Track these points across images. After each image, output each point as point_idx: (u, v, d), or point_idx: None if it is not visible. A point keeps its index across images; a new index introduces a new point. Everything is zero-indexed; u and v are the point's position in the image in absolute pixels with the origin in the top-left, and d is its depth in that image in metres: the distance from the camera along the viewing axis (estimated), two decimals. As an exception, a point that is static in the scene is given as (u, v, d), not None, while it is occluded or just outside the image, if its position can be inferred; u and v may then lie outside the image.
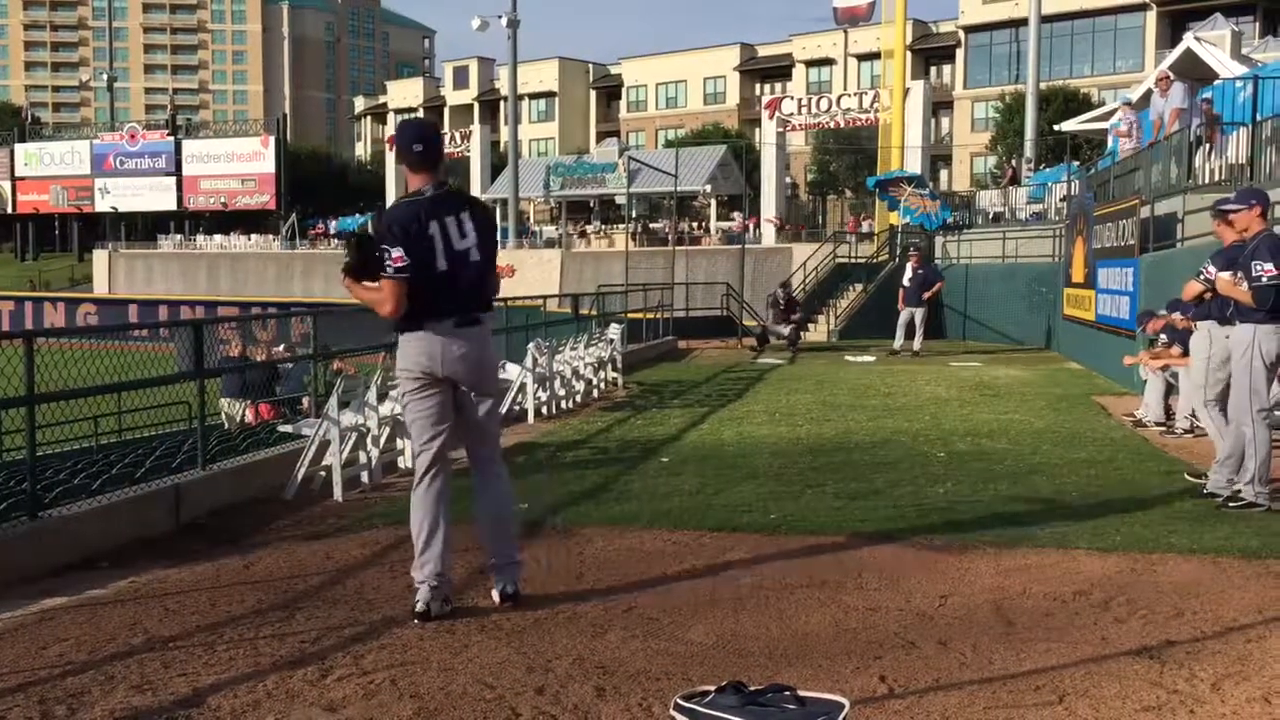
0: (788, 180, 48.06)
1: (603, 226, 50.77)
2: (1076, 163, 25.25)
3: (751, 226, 40.88)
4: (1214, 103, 16.22)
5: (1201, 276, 6.89)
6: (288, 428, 8.24)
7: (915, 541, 5.93)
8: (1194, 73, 21.64)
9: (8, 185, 65.04)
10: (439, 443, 4.69)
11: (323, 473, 7.49)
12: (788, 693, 3.21)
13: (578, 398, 12.51)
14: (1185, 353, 9.25)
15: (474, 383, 4.70)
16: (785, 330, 20.60)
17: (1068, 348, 18.70)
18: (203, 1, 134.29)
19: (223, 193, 59.75)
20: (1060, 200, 23.79)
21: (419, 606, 4.57)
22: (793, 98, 44.78)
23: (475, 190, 51.76)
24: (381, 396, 7.99)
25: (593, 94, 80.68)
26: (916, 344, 19.29)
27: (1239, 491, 6.72)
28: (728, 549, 5.79)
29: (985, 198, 30.13)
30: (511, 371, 11.73)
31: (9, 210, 65.61)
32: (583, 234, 49.64)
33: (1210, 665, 4.03)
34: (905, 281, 19.77)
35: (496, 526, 4.79)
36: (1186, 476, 7.61)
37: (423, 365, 4.62)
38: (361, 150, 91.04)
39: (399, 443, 8.35)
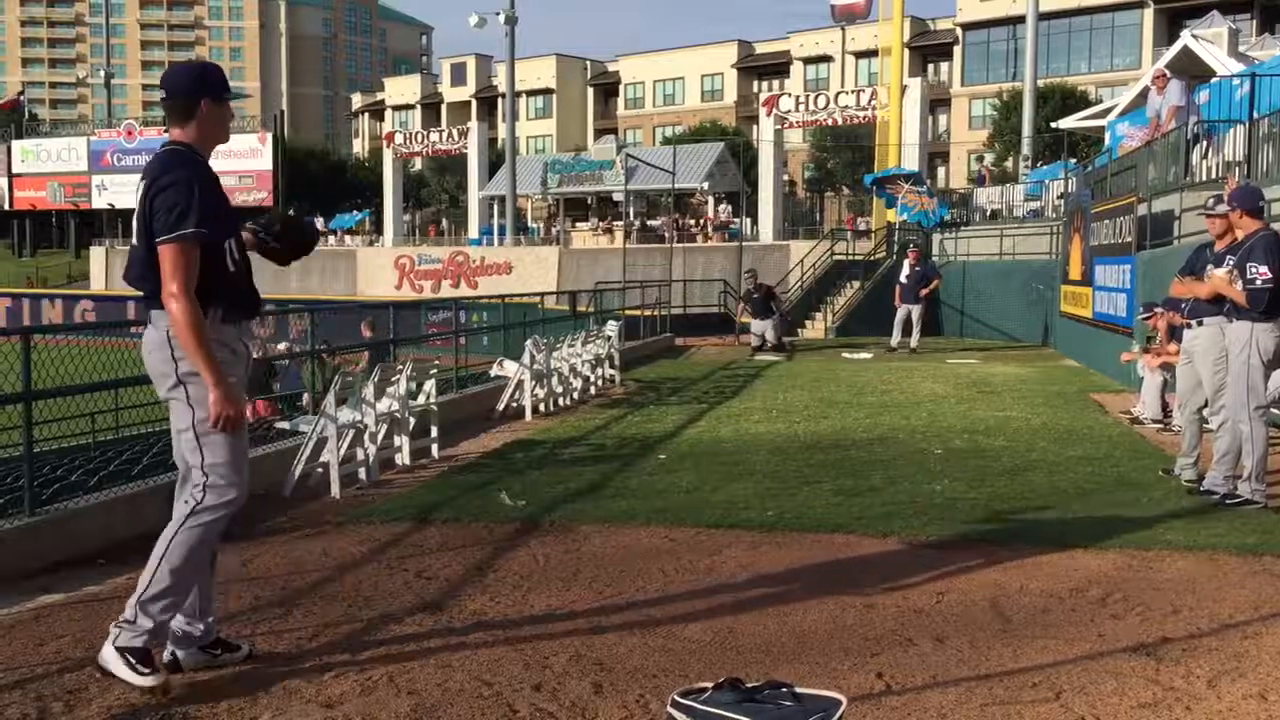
0: (785, 177, 47.99)
1: (599, 223, 50.62)
2: (1074, 160, 25.26)
3: (748, 224, 40.86)
4: (1209, 102, 16.23)
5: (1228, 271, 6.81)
6: (285, 424, 8.24)
7: (912, 538, 5.94)
8: (1191, 70, 21.63)
9: (4, 182, 64.82)
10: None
11: (320, 469, 7.49)
12: (785, 689, 3.22)
13: (575, 394, 12.51)
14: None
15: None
16: (772, 336, 20.14)
17: (1065, 345, 18.72)
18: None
19: (220, 189, 59.60)
20: (1058, 197, 23.81)
21: (166, 655, 3.88)
22: (790, 95, 44.64)
23: (473, 188, 51.55)
24: (379, 394, 8.00)
25: (590, 91, 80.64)
26: (914, 341, 19.30)
27: (1236, 489, 6.73)
28: (725, 546, 5.79)
29: (983, 195, 30.10)
30: (509, 368, 11.76)
31: (6, 207, 65.39)
32: (608, 230, 49.28)
33: (1206, 662, 4.04)
34: (902, 278, 19.79)
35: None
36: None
37: None
38: (359, 147, 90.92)
39: (396, 440, 8.37)
